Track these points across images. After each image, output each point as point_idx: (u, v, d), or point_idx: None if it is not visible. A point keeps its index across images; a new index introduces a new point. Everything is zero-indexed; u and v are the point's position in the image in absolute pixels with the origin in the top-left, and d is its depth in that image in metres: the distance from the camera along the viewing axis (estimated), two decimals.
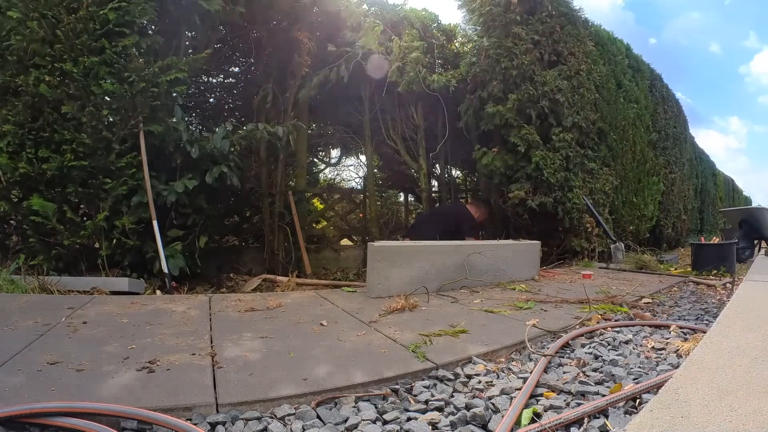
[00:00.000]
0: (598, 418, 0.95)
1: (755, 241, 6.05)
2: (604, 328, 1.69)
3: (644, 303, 2.27)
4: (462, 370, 1.27)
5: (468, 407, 1.01)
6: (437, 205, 5.44)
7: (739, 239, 5.41)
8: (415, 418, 0.97)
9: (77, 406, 0.88)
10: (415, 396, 1.09)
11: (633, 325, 1.75)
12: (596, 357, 1.39)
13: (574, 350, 1.47)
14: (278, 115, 4.20)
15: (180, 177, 2.97)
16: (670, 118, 6.97)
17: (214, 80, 4.84)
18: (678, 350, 1.39)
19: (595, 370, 1.27)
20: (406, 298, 2.03)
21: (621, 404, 1.00)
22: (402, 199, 7.34)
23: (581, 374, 1.23)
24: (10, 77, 2.52)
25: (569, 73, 4.28)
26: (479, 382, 1.18)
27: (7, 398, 0.94)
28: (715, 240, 5.97)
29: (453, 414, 0.99)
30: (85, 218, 2.74)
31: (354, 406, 1.02)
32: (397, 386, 1.13)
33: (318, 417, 0.97)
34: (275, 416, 0.96)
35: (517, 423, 0.94)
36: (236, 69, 4.87)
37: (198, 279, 3.35)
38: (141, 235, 2.82)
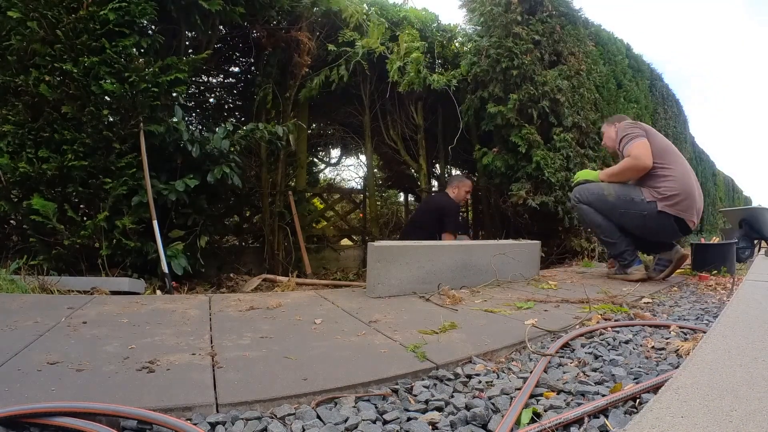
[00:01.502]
0: (598, 418, 0.95)
1: (755, 241, 6.06)
2: (604, 328, 1.69)
3: (644, 303, 2.27)
4: (462, 369, 1.27)
5: (468, 407, 1.01)
6: (423, 199, 5.34)
7: (739, 239, 5.41)
8: (416, 418, 0.97)
9: (77, 406, 0.88)
10: (415, 396, 1.09)
11: (633, 325, 1.75)
12: (596, 357, 1.39)
13: (574, 350, 1.47)
14: (278, 115, 4.21)
15: (180, 177, 2.97)
16: (670, 118, 6.98)
17: (214, 80, 4.84)
18: (678, 350, 1.39)
19: (595, 370, 1.26)
20: (406, 298, 2.03)
21: (621, 404, 1.00)
22: (402, 199, 7.35)
23: (581, 374, 1.23)
24: (10, 77, 2.52)
25: (569, 73, 4.28)
26: (479, 381, 1.18)
27: (6, 398, 0.94)
28: (715, 240, 5.98)
29: (453, 414, 0.99)
30: (85, 218, 2.74)
31: (354, 406, 1.02)
32: (397, 386, 1.13)
33: (318, 417, 0.96)
34: (275, 416, 0.96)
35: (517, 423, 0.93)
36: (236, 69, 4.88)
37: (198, 279, 3.36)
38: (141, 235, 2.83)
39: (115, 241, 2.69)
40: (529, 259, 3.05)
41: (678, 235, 2.92)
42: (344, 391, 1.08)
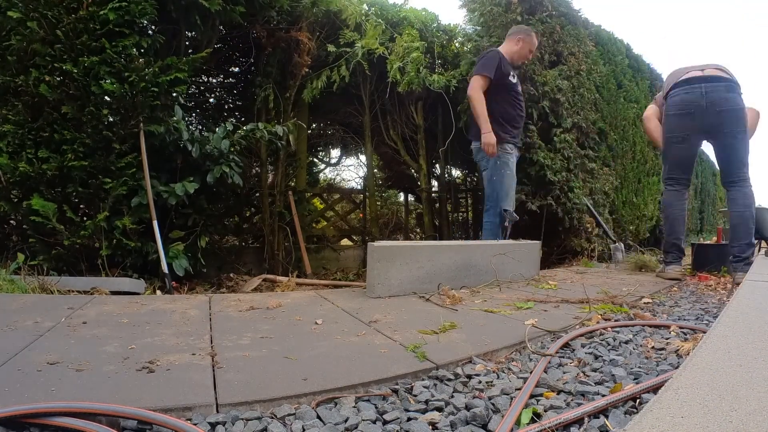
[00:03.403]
0: (598, 418, 0.95)
1: (755, 241, 6.04)
2: (604, 328, 1.69)
3: (644, 303, 2.27)
4: (462, 370, 1.27)
5: (468, 407, 1.01)
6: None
7: None
8: (416, 419, 0.97)
9: (77, 406, 0.88)
10: (415, 396, 1.09)
11: (633, 325, 1.75)
12: (596, 357, 1.39)
13: (574, 350, 1.47)
14: (278, 115, 4.21)
15: (180, 177, 2.97)
16: None
17: (214, 80, 4.85)
18: (678, 350, 1.39)
19: (595, 370, 1.26)
20: (406, 298, 2.03)
21: (621, 404, 1.00)
22: (402, 199, 7.35)
23: (581, 374, 1.23)
24: (10, 77, 2.52)
25: (569, 73, 4.28)
26: (479, 382, 1.18)
27: (6, 398, 0.94)
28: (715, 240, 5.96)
29: (453, 414, 0.99)
30: (85, 218, 2.74)
31: (354, 406, 1.02)
32: (397, 386, 1.13)
33: (318, 417, 0.97)
34: (275, 416, 0.96)
35: (517, 423, 0.93)
36: (236, 69, 4.88)
37: (198, 279, 3.36)
38: (142, 235, 2.83)
39: (115, 241, 2.69)
40: (529, 259, 3.05)
41: None
42: (344, 391, 1.08)
